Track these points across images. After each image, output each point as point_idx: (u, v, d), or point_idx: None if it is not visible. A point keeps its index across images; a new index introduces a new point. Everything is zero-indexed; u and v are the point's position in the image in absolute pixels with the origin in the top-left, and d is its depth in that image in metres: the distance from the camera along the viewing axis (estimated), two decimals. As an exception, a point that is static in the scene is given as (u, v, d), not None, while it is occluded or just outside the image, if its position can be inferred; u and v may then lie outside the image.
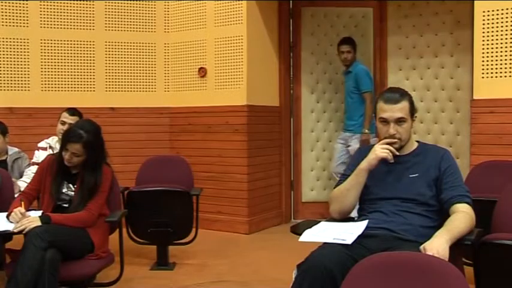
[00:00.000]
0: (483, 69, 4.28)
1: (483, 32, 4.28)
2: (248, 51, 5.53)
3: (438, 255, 1.98)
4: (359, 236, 2.29)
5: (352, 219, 2.65)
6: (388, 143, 2.48)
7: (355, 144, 5.23)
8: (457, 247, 2.22)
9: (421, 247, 2.13)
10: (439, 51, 5.49)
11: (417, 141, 2.66)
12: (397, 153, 2.49)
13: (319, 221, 2.59)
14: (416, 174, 2.50)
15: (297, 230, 2.50)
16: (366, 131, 5.19)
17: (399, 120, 2.48)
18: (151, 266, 4.30)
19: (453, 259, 2.05)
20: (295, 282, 2.21)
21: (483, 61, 4.28)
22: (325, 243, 2.30)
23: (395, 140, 2.49)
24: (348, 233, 2.32)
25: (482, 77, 4.30)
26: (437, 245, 2.11)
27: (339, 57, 5.51)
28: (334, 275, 2.09)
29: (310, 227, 2.48)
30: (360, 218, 2.58)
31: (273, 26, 5.95)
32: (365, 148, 2.75)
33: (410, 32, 5.58)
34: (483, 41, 4.28)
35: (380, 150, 2.47)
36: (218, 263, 4.50)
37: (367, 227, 2.36)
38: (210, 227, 5.40)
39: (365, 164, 2.51)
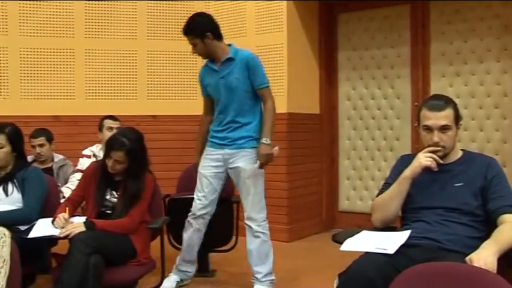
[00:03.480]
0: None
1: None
2: (288, 58, 5.53)
3: (485, 267, 1.92)
4: (401, 246, 2.24)
5: (394, 229, 2.60)
6: (432, 151, 2.43)
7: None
8: (506, 259, 2.15)
9: (467, 258, 2.07)
10: (485, 57, 5.36)
11: (462, 150, 2.59)
12: (441, 162, 2.44)
13: (361, 230, 2.55)
14: (461, 184, 2.44)
15: (338, 239, 2.47)
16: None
17: (443, 128, 2.43)
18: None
19: (501, 272, 1.99)
20: (337, 291, 2.18)
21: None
22: (366, 252, 2.27)
23: (439, 148, 2.44)
24: (390, 242, 2.28)
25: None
26: (485, 257, 2.05)
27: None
28: (376, 285, 2.06)
29: (352, 236, 2.44)
30: (403, 227, 2.53)
31: (313, 33, 5.93)
32: (407, 156, 2.70)
33: (454, 38, 5.47)
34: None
35: (424, 159, 2.42)
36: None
37: (409, 237, 2.32)
38: (250, 235, 5.39)
39: (408, 172, 2.46)
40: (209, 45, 3.67)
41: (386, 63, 5.79)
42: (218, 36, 3.71)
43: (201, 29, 3.64)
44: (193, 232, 3.84)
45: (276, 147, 3.74)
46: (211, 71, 3.76)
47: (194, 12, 3.84)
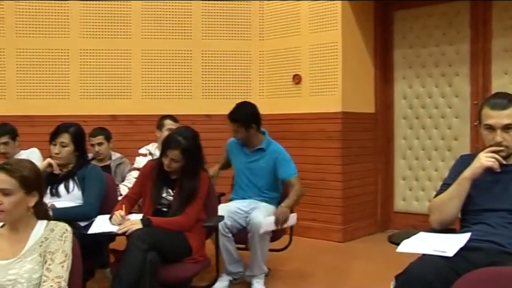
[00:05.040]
0: None
1: None
2: (343, 57, 5.48)
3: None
4: (461, 249, 2.18)
5: (453, 231, 2.53)
6: (494, 151, 2.35)
7: None
8: None
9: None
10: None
11: (526, 150, 2.49)
12: (504, 162, 2.35)
13: (418, 231, 2.49)
14: (525, 185, 2.35)
15: (395, 240, 2.43)
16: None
17: (506, 127, 2.34)
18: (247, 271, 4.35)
19: None
20: (394, 293, 2.14)
21: None
22: (424, 254, 2.21)
23: (502, 148, 2.35)
24: (449, 244, 2.22)
25: None
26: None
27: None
28: (435, 288, 2.01)
29: (409, 237, 2.39)
30: (462, 229, 2.46)
31: (368, 31, 5.85)
32: (467, 156, 2.62)
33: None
34: None
35: (485, 159, 2.34)
36: (312, 270, 4.47)
37: (470, 239, 2.25)
38: (304, 234, 5.37)
39: (468, 173, 2.39)
40: (250, 134, 4.07)
41: (444, 61, 5.64)
42: (259, 128, 4.11)
43: (248, 120, 4.04)
44: (221, 237, 3.76)
45: (294, 215, 3.93)
46: (242, 153, 4.17)
47: (241, 102, 4.23)
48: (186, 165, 3.21)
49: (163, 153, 3.24)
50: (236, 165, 4.21)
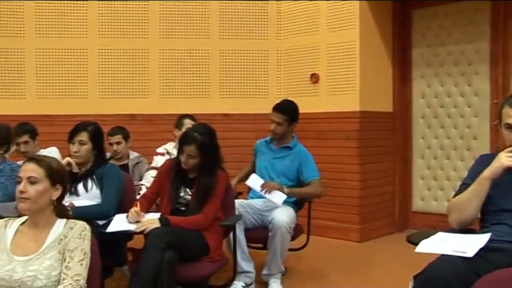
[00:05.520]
0: None
1: None
2: (361, 56, 5.45)
3: None
4: (481, 249, 2.15)
5: (472, 231, 2.50)
6: (514, 151, 2.32)
7: None
8: None
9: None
10: None
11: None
12: (525, 162, 2.31)
13: (437, 231, 2.47)
14: (547, 186, 2.32)
15: (414, 240, 2.41)
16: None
17: (527, 127, 2.31)
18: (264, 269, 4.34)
19: None
20: (412, 294, 2.13)
21: None
22: (443, 254, 2.19)
23: (523, 147, 2.32)
24: (468, 245, 2.19)
25: None
26: None
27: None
28: (455, 289, 1.98)
29: (427, 237, 2.37)
30: (482, 229, 2.43)
31: (386, 30, 5.82)
32: (487, 156, 2.59)
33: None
34: None
35: (505, 159, 2.31)
36: (329, 270, 4.46)
37: (490, 240, 2.22)
38: (322, 234, 5.35)
39: (488, 173, 2.36)
40: (289, 130, 4.13)
41: (464, 60, 5.59)
42: (294, 128, 4.18)
43: (294, 115, 4.15)
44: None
45: (283, 196, 3.87)
46: (268, 149, 4.21)
47: (287, 99, 4.40)
48: (203, 162, 3.22)
49: (180, 150, 3.26)
50: (260, 163, 4.21)
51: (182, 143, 3.24)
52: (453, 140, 5.69)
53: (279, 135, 4.13)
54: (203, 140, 3.21)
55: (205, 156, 3.22)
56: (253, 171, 4.23)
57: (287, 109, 4.12)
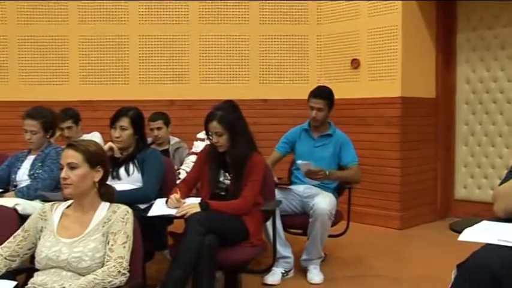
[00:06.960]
0: None
1: None
2: (403, 41, 5.35)
3: None
4: (528, 239, 2.09)
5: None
6: None
7: None
8: None
9: None
10: None
11: None
12: None
13: (481, 220, 2.41)
14: None
15: (457, 228, 2.35)
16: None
17: None
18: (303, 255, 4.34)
19: None
20: (455, 283, 2.07)
21: None
22: (488, 244, 2.14)
23: None
24: (514, 234, 2.13)
25: None
26: None
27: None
28: (500, 280, 1.93)
29: (471, 226, 2.31)
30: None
31: (430, 13, 5.68)
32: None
33: None
34: None
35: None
36: (369, 257, 4.43)
37: (538, 230, 2.16)
38: (361, 221, 5.31)
39: (536, 160, 2.29)
40: (328, 116, 4.12)
41: (511, 43, 5.41)
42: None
43: (333, 100, 4.12)
44: None
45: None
46: (309, 137, 4.18)
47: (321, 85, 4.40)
48: (230, 135, 3.21)
49: (207, 132, 3.28)
50: (300, 150, 4.19)
51: (206, 123, 3.26)
52: (499, 127, 5.55)
53: (320, 121, 4.10)
54: (223, 114, 3.21)
55: (231, 129, 3.21)
56: (280, 158, 4.26)
57: (326, 94, 4.10)
